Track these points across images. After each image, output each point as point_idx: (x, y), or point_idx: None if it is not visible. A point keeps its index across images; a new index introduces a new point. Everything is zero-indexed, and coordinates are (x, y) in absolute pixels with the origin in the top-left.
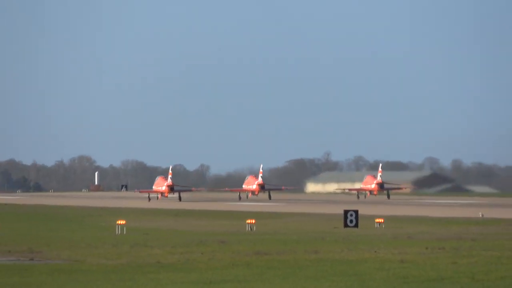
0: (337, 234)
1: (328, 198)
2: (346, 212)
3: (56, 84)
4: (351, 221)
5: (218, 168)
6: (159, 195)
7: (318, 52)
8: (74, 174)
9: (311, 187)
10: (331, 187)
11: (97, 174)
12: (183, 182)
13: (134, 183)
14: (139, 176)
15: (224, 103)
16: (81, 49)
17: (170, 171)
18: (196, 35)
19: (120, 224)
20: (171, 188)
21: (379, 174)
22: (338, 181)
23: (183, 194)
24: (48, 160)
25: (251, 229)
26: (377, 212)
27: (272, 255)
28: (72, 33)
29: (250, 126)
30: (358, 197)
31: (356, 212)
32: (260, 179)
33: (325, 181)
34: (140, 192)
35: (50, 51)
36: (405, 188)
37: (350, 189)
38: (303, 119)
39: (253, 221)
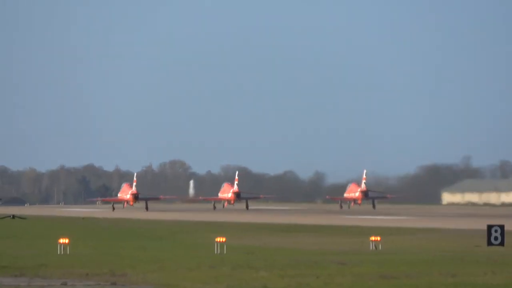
0: (478, 254)
1: (465, 211)
2: (489, 227)
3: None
4: (495, 238)
5: (334, 176)
6: (125, 204)
7: None
8: (165, 181)
9: (448, 197)
10: (472, 197)
11: (192, 182)
12: (295, 191)
13: None
14: (243, 184)
15: (335, 103)
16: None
17: (134, 178)
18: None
19: (219, 241)
20: (136, 197)
21: (363, 181)
22: (479, 190)
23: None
24: (134, 165)
25: (375, 247)
26: None
27: (401, 279)
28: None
29: (367, 127)
30: (341, 207)
31: (501, 227)
32: (235, 187)
33: (464, 190)
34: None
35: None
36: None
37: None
38: (437, 118)
39: (379, 238)
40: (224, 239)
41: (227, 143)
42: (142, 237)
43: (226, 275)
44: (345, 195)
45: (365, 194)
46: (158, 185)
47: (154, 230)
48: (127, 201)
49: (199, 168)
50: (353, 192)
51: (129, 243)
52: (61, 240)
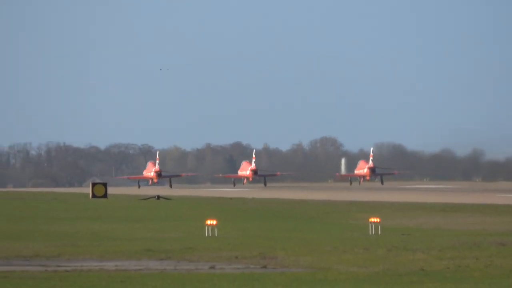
0: None
1: None
2: None
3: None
4: None
5: (493, 152)
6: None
7: None
8: (316, 160)
9: None
10: None
11: (344, 160)
12: (450, 169)
13: None
14: (397, 162)
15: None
16: None
17: (157, 156)
18: None
19: (373, 222)
20: (159, 174)
21: (371, 158)
22: None
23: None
24: (283, 143)
25: None
26: None
27: None
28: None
29: None
30: (350, 183)
31: None
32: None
33: None
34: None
35: None
36: None
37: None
38: None
39: None
40: (378, 220)
41: (379, 121)
42: (292, 218)
43: (381, 257)
44: (355, 171)
45: (372, 170)
46: (309, 163)
47: (304, 211)
48: (247, 178)
49: (352, 146)
50: (362, 169)
51: (279, 224)
52: (209, 222)
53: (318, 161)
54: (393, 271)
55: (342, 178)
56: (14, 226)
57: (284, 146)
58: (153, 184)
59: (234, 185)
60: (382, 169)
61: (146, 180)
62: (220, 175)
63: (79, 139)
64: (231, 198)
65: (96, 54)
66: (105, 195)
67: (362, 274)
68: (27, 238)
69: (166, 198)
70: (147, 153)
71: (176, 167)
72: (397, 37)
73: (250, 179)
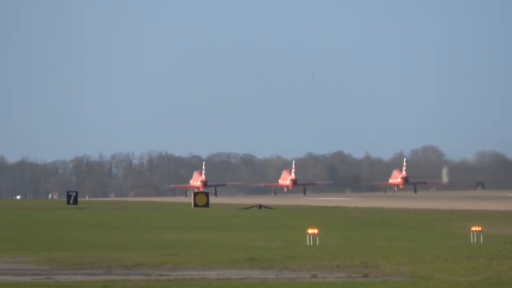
0: None
1: None
2: None
3: None
4: None
5: None
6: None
7: None
8: (418, 169)
9: None
10: None
11: (446, 169)
12: None
13: (492, 181)
14: (499, 172)
15: None
16: None
17: (203, 166)
18: None
19: (475, 230)
20: (205, 184)
21: (404, 168)
22: None
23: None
24: (383, 151)
25: None
26: None
27: None
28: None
29: None
30: (385, 191)
31: None
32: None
33: None
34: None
35: None
36: None
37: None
38: None
39: None
40: (480, 228)
41: (481, 129)
42: (394, 227)
43: (483, 266)
44: (390, 180)
45: (405, 179)
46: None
47: (406, 219)
48: (287, 187)
49: (453, 155)
50: (395, 178)
51: (381, 233)
52: (310, 231)
53: (420, 170)
54: (495, 280)
55: (445, 187)
56: (115, 236)
57: (386, 155)
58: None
59: (275, 194)
60: (414, 178)
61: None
62: (262, 184)
63: (180, 148)
64: (332, 207)
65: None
66: (206, 205)
67: (463, 283)
68: (128, 247)
69: (268, 207)
70: (248, 162)
71: (278, 177)
72: None
73: (290, 187)
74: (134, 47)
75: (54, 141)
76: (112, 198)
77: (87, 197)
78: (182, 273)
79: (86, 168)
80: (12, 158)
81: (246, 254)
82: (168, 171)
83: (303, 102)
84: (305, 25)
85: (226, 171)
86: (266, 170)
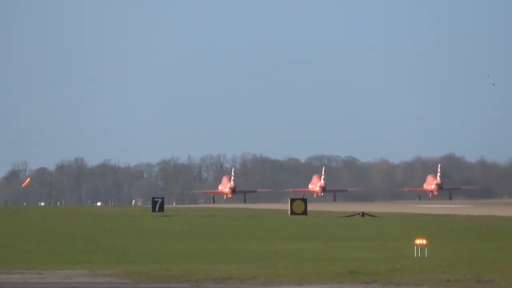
0: None
1: None
2: None
3: None
4: None
5: None
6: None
7: None
8: None
9: None
10: None
11: None
12: None
13: None
14: None
15: None
16: None
17: (232, 173)
18: None
19: None
20: (233, 190)
21: (438, 174)
22: None
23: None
24: (501, 155)
25: None
26: None
27: None
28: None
29: None
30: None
31: None
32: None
33: None
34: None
35: None
36: None
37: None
38: None
39: None
40: None
41: None
42: (509, 237)
43: None
44: (424, 186)
45: (440, 186)
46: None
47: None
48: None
49: None
50: (430, 185)
51: (495, 244)
52: (418, 241)
53: None
54: None
55: None
56: (204, 246)
57: (502, 158)
58: (227, 199)
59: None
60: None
61: (221, 195)
62: (290, 189)
63: (276, 151)
64: (442, 215)
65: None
66: (304, 212)
67: None
68: (218, 259)
69: (371, 215)
70: (351, 166)
71: (383, 181)
72: None
73: (320, 194)
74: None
75: (138, 142)
76: (201, 205)
77: (174, 203)
78: None
79: (173, 172)
80: (92, 161)
81: (348, 267)
82: (263, 175)
83: (410, 102)
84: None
85: (326, 175)
86: (371, 175)
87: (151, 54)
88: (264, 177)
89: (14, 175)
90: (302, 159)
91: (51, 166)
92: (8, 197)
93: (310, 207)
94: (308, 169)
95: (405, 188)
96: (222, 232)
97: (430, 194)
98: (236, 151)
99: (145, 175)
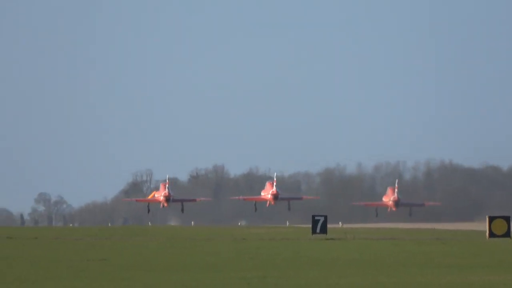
0: None
1: None
2: None
3: None
4: None
5: None
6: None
7: None
8: None
9: None
10: None
11: None
12: None
13: None
14: None
15: None
16: None
17: (167, 180)
18: None
19: None
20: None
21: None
22: None
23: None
24: None
25: None
26: None
27: None
28: None
29: None
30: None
31: None
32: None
33: None
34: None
35: None
36: None
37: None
38: None
39: None
40: None
41: None
42: None
43: None
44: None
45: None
46: None
47: None
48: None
49: None
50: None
51: None
52: None
53: None
54: None
55: None
56: (376, 278)
57: None
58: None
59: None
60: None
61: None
62: (308, 197)
63: (469, 158)
64: None
65: None
66: (507, 234)
67: None
68: None
69: None
70: None
71: None
72: None
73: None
74: None
75: (290, 148)
76: (372, 224)
77: (340, 223)
78: None
79: (339, 184)
80: (236, 169)
81: None
82: (452, 188)
83: None
84: None
85: None
86: None
87: None
88: (455, 190)
89: (135, 188)
90: (505, 167)
91: (183, 176)
92: (129, 215)
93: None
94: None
95: None
96: (402, 260)
97: (389, 209)
98: (419, 156)
99: (302, 187)
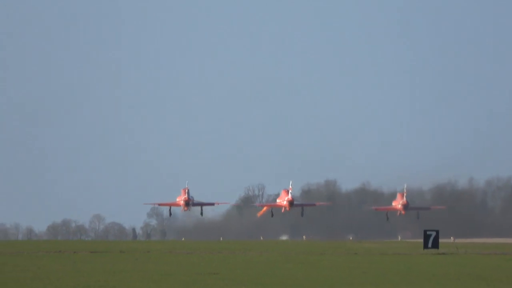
0: None
1: None
2: None
3: None
4: None
5: None
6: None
7: None
8: None
9: None
10: None
11: None
12: None
13: None
14: None
15: None
16: None
17: (186, 186)
18: None
19: None
20: (187, 203)
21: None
22: None
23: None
24: None
25: None
26: None
27: None
28: None
29: None
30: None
31: None
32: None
33: None
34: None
35: None
36: None
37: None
38: None
39: None
40: None
41: None
42: None
43: None
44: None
45: (405, 206)
46: None
47: None
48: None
49: None
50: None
51: None
52: None
53: None
54: None
55: None
56: None
57: None
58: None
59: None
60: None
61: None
62: (320, 203)
63: None
64: None
65: None
66: None
67: None
68: None
69: None
70: None
71: None
72: None
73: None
74: None
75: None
76: (484, 239)
77: (452, 238)
78: None
79: (450, 198)
80: (347, 184)
81: None
82: None
83: None
84: None
85: None
86: None
87: None
88: None
89: (247, 202)
90: None
91: (295, 190)
92: (241, 230)
93: None
94: None
95: None
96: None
97: (399, 213)
98: None
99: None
